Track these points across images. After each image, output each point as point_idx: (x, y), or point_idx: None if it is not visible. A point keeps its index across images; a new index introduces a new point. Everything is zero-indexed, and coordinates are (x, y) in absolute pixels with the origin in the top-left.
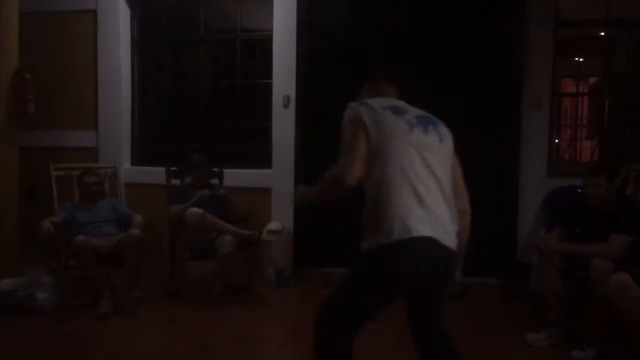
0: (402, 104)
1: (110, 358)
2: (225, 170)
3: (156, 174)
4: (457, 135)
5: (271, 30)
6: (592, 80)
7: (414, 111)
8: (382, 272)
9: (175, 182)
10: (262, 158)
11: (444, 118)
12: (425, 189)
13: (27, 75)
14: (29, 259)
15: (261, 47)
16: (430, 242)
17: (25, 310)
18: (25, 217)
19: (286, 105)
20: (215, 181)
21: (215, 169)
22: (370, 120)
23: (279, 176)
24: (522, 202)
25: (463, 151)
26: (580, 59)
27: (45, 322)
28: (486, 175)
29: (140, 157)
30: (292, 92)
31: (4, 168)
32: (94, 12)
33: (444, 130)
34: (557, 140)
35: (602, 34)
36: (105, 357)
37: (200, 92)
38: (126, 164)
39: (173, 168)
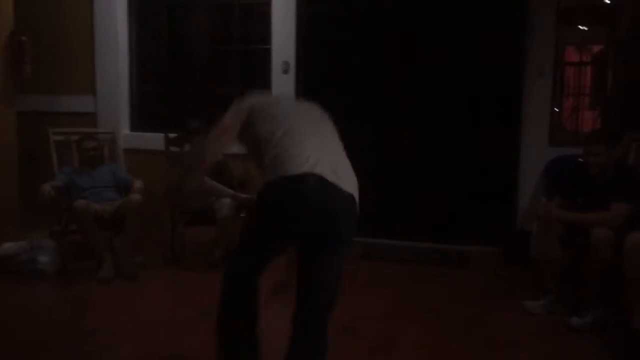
0: None
1: (111, 321)
2: None
3: (155, 140)
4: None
5: None
6: (596, 49)
7: None
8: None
9: (174, 149)
10: None
11: (446, 85)
12: None
13: (23, 38)
14: (29, 223)
15: (260, 12)
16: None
17: (27, 274)
18: (25, 181)
19: (285, 71)
20: None
21: None
22: None
23: None
24: (523, 170)
25: (464, 119)
26: (585, 28)
27: (48, 286)
28: (486, 144)
29: (139, 123)
30: (291, 57)
31: (2, 132)
32: None
33: None
34: (557, 110)
35: (608, 1)
36: (106, 320)
37: (198, 58)
38: (125, 130)
39: (172, 135)
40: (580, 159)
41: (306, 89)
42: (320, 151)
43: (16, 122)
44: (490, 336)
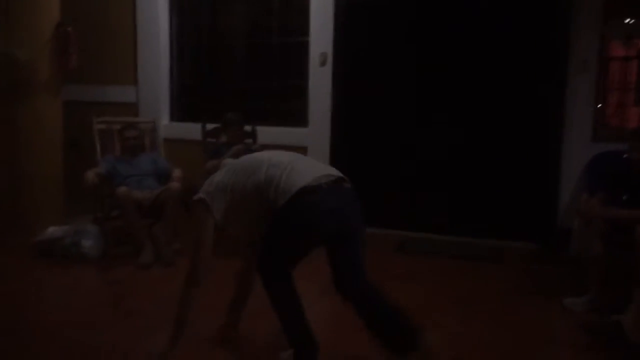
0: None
1: (150, 305)
2: (261, 128)
3: (193, 130)
4: (499, 97)
5: None
6: None
7: None
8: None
9: (211, 140)
10: (298, 117)
11: (487, 79)
12: None
13: (69, 29)
14: (73, 209)
15: (299, 3)
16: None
17: (71, 257)
18: (70, 168)
19: (323, 63)
20: (249, 140)
21: (249, 128)
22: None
23: (314, 135)
24: (565, 166)
25: (505, 113)
26: (631, 21)
27: (90, 269)
28: (529, 139)
29: (179, 113)
30: (329, 49)
31: (49, 120)
32: None
33: None
34: (601, 105)
35: None
36: (145, 303)
37: (237, 50)
38: (165, 120)
39: (209, 126)
40: (625, 155)
41: (343, 81)
42: (305, 163)
43: (62, 111)
44: (527, 331)
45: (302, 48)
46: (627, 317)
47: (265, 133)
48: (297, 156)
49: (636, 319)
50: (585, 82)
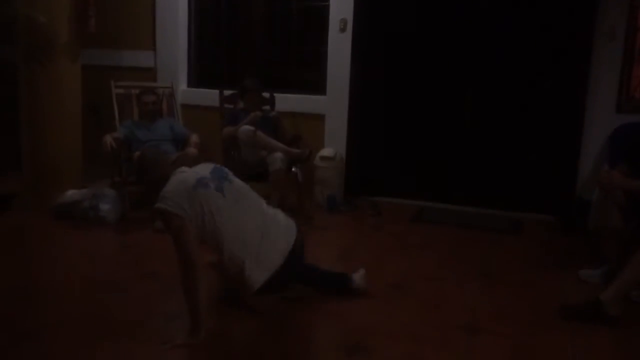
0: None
1: (165, 268)
2: (279, 95)
3: (211, 97)
4: (521, 64)
5: None
6: None
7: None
8: None
9: (228, 106)
10: (316, 84)
11: (509, 46)
12: None
13: None
14: (93, 173)
15: None
16: None
17: (90, 220)
18: (89, 133)
19: (343, 30)
20: (267, 107)
21: (267, 94)
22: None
23: (332, 102)
24: (586, 137)
25: (527, 81)
26: None
27: (108, 232)
28: (550, 108)
29: (196, 79)
30: (349, 15)
31: (68, 84)
32: None
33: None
34: (627, 76)
35: None
36: (161, 266)
37: (255, 15)
38: (183, 86)
39: (226, 92)
40: None
41: (363, 48)
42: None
43: (81, 75)
44: (541, 301)
45: (322, 13)
46: (607, 292)
47: (283, 100)
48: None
49: (617, 294)
50: (612, 52)
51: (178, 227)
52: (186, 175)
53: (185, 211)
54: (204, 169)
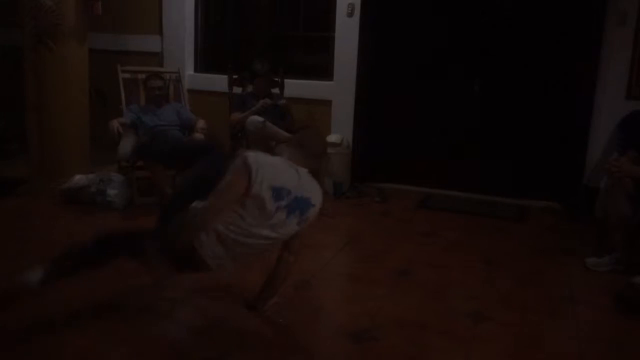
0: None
1: None
2: (286, 81)
3: (218, 82)
4: (531, 49)
5: None
6: None
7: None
8: None
9: (237, 90)
10: (323, 69)
11: (518, 32)
12: None
13: None
14: (100, 158)
15: None
16: None
17: (97, 205)
18: (96, 117)
19: (350, 14)
20: (276, 90)
21: (276, 79)
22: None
23: (339, 88)
24: (595, 124)
25: (535, 68)
26: None
27: (115, 217)
28: (559, 95)
29: (203, 64)
30: (357, 0)
31: (75, 68)
32: None
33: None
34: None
35: None
36: None
37: (262, 0)
38: (189, 71)
39: (235, 76)
40: None
41: (370, 33)
42: None
43: (88, 59)
44: (546, 289)
45: None
46: None
47: (290, 85)
48: None
49: None
50: (623, 36)
51: (238, 181)
52: (283, 168)
53: (255, 181)
54: (295, 181)
